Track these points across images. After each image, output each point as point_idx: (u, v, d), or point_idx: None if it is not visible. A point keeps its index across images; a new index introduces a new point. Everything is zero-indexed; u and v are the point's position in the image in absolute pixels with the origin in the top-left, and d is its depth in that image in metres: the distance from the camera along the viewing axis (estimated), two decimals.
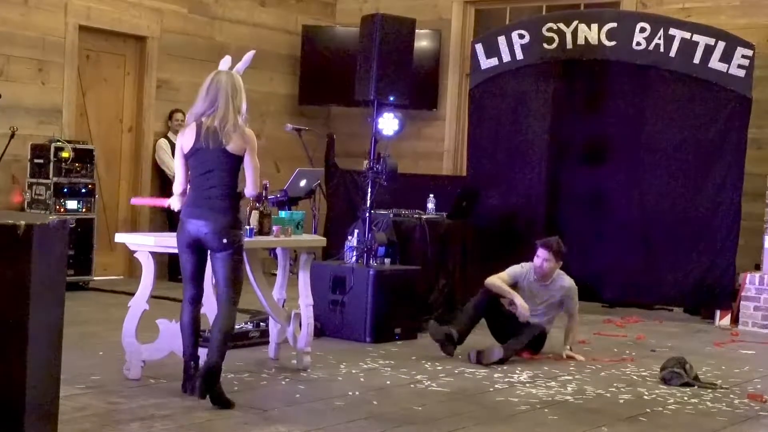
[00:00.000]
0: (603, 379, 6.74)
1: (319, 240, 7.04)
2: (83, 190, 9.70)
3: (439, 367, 6.87)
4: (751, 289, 9.30)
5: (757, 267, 9.58)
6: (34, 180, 9.60)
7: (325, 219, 9.62)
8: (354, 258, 8.02)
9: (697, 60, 9.61)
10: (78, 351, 6.39)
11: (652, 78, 9.80)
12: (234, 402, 5.43)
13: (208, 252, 5.58)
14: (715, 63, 9.57)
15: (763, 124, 10.08)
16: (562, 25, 9.99)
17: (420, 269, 8.33)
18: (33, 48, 9.83)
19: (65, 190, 9.58)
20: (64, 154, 9.53)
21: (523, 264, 7.53)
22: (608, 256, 9.86)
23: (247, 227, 6.06)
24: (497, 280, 7.43)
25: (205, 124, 5.48)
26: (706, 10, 10.59)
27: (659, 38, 9.71)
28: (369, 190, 8.09)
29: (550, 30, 10.02)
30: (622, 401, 6.14)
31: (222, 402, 5.39)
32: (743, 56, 9.51)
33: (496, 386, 6.37)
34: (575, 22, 9.97)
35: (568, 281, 7.53)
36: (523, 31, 10.14)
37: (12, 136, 9.30)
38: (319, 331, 7.55)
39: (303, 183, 8.88)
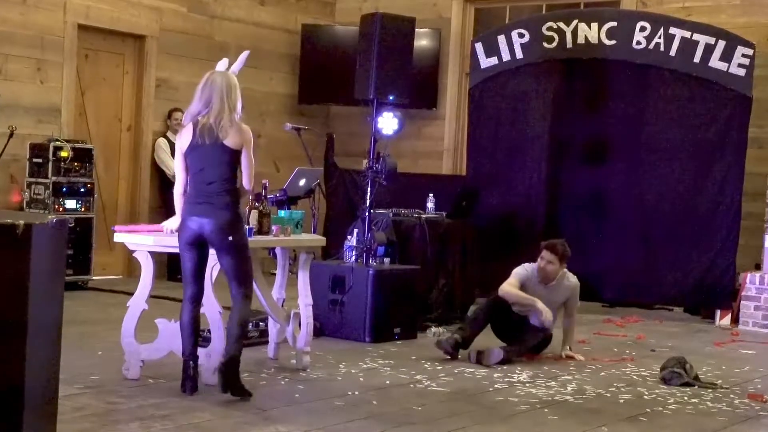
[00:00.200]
0: (603, 379, 6.72)
1: (318, 239, 7.02)
2: (82, 190, 9.68)
3: (439, 367, 6.85)
4: (752, 289, 9.29)
5: (758, 267, 9.58)
6: (32, 179, 9.58)
7: (324, 218, 9.62)
8: (353, 257, 8.01)
9: (697, 59, 9.60)
10: (77, 351, 6.37)
11: (652, 77, 9.79)
12: (252, 392, 5.57)
13: (212, 250, 5.59)
14: (715, 62, 9.56)
15: (763, 124, 10.08)
16: (562, 24, 9.98)
17: (420, 269, 8.32)
18: (32, 47, 9.82)
19: (64, 189, 9.56)
20: (63, 154, 9.51)
21: (525, 265, 7.44)
22: (608, 256, 9.84)
23: (247, 226, 6.05)
24: (512, 288, 7.28)
25: (201, 122, 5.52)
26: (706, 9, 10.58)
27: (659, 37, 9.70)
28: (368, 189, 8.08)
29: (550, 29, 10.01)
30: (622, 401, 6.12)
31: (242, 392, 5.55)
32: (743, 55, 9.50)
33: (496, 386, 6.36)
34: (575, 21, 9.96)
35: (573, 281, 7.47)
36: (523, 30, 10.13)
37: (11, 135, 9.29)
38: (319, 331, 7.54)
39: (302, 182, 8.86)
